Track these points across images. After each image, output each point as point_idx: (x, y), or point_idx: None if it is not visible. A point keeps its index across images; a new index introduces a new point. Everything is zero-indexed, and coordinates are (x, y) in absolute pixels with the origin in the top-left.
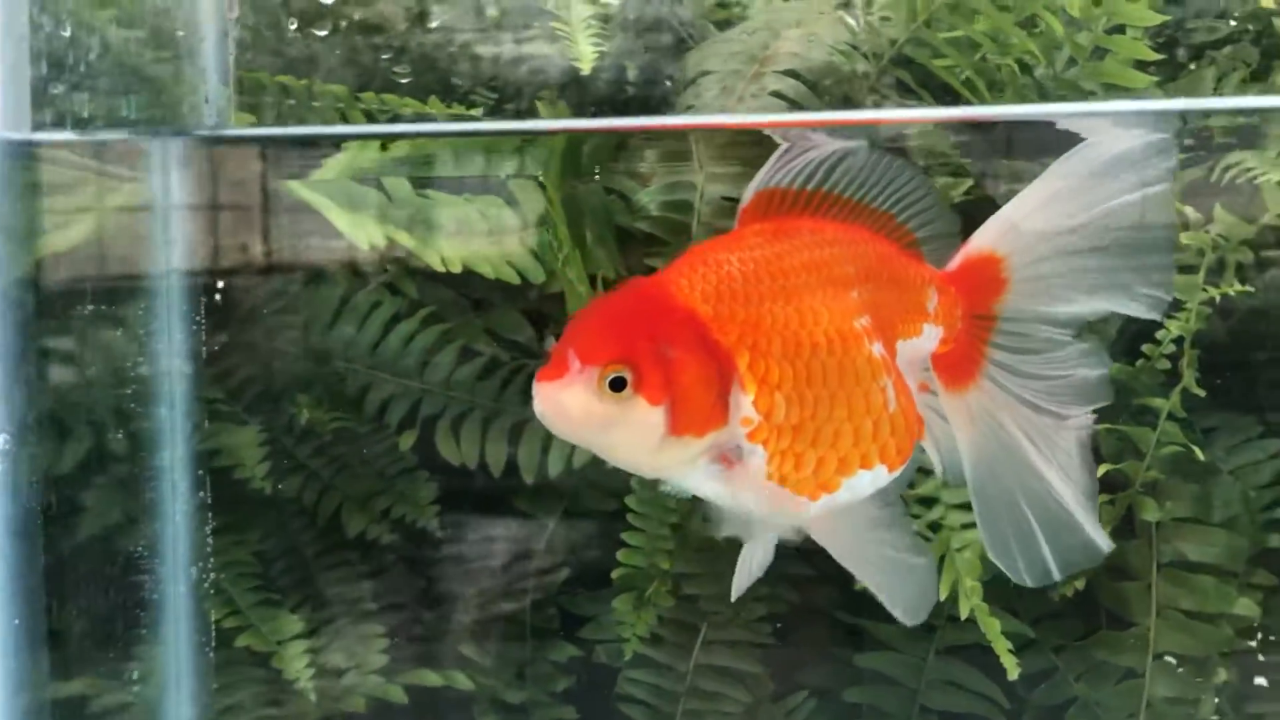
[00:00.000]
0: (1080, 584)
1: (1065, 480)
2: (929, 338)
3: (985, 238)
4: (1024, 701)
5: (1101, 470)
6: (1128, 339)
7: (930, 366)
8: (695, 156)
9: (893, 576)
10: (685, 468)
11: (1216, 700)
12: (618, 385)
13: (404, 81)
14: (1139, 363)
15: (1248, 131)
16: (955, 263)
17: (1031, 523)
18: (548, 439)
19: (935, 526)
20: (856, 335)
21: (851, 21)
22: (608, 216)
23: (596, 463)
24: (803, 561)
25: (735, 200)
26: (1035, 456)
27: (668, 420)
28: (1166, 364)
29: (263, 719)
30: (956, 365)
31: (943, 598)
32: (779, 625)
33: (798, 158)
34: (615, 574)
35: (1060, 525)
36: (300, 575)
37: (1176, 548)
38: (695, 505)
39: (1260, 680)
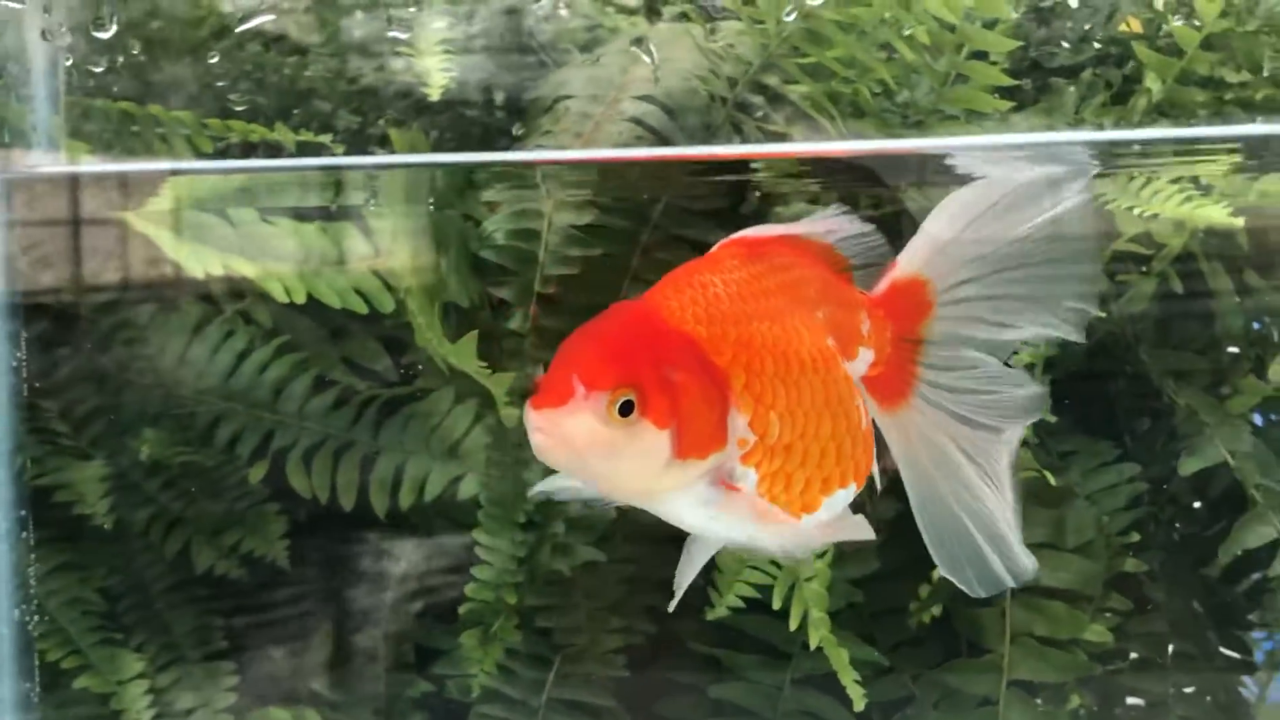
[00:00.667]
0: (937, 610)
1: (999, 495)
2: (863, 361)
3: (911, 262)
4: None
5: None
6: None
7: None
8: (542, 185)
9: None
10: (680, 494)
11: None
12: (625, 410)
13: (254, 106)
14: None
15: (1100, 158)
16: (882, 287)
17: (975, 536)
18: (400, 470)
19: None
20: (830, 355)
21: (709, 46)
22: (464, 245)
23: (449, 495)
24: (658, 593)
25: (583, 229)
26: (972, 472)
27: (673, 444)
28: None
29: None
30: (889, 386)
31: (793, 628)
32: (634, 657)
33: None
34: (463, 609)
35: (999, 539)
36: (145, 613)
37: None
38: (542, 539)
39: (1115, 708)
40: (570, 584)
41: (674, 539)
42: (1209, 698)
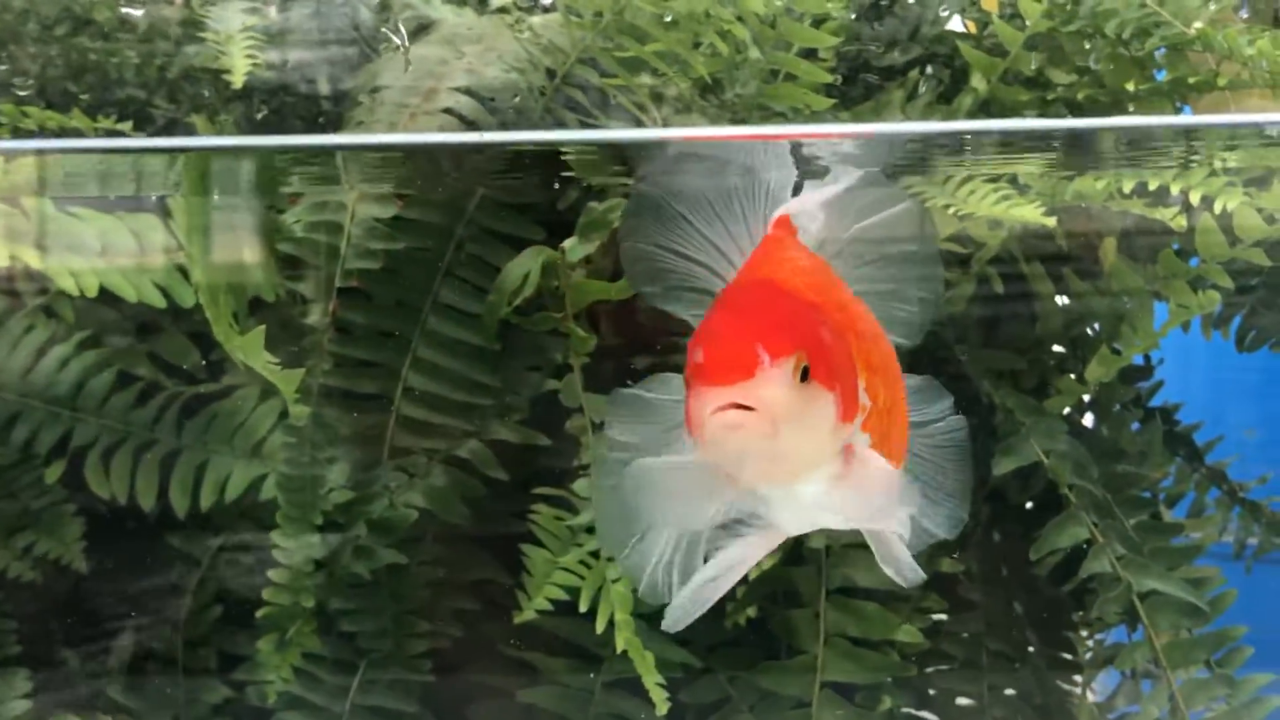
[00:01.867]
0: (753, 612)
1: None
2: None
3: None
4: None
5: None
6: None
7: None
8: (344, 177)
9: None
10: (822, 463)
11: None
12: (804, 375)
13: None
14: None
15: (917, 156)
16: None
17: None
18: (200, 470)
19: (596, 555)
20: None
21: (527, 36)
22: (269, 237)
23: (249, 496)
24: (466, 596)
25: (389, 222)
26: None
27: (837, 406)
28: None
29: None
30: None
31: (599, 630)
32: (441, 662)
33: None
34: (260, 613)
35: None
36: None
37: (845, 574)
38: (343, 542)
39: (925, 711)
40: (375, 588)
41: (482, 541)
42: (1030, 698)
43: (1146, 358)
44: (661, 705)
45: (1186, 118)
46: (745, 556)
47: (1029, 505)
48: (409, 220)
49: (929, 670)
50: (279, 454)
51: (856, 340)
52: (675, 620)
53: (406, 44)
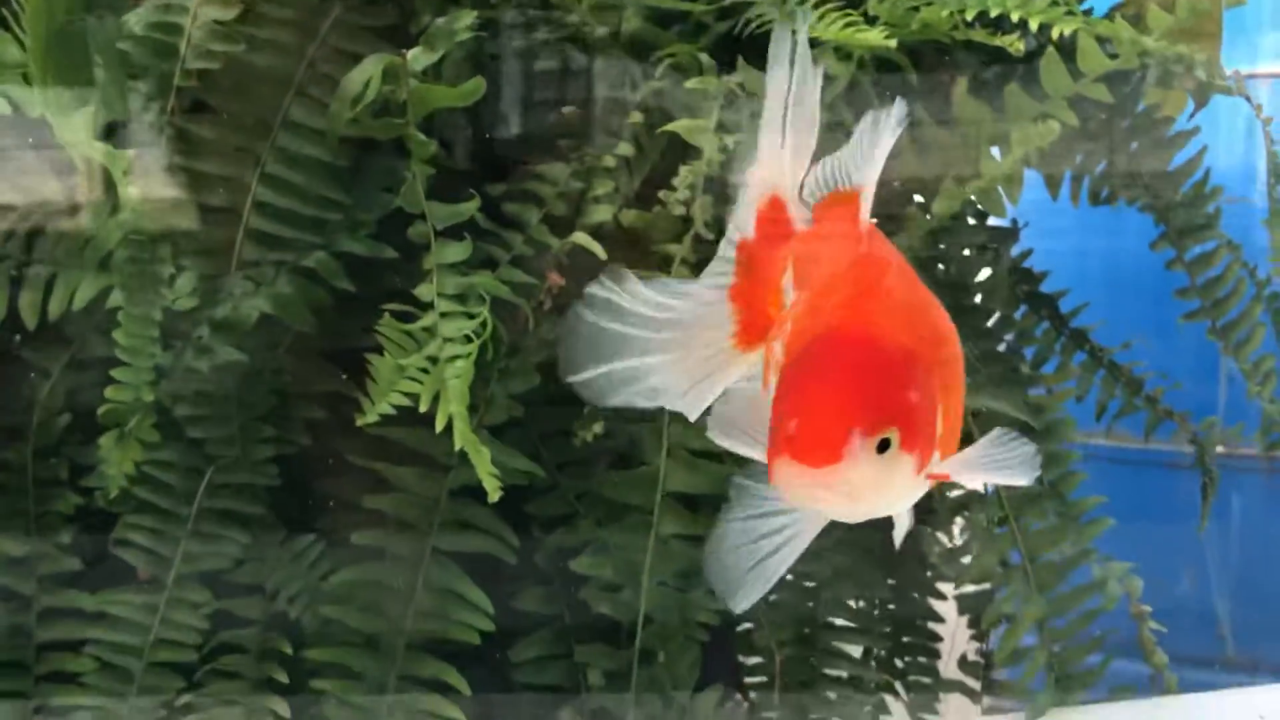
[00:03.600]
0: (599, 428)
1: None
2: None
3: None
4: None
5: None
6: None
7: None
8: None
9: None
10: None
11: None
12: (884, 446)
13: None
14: (655, 209)
15: None
16: None
17: None
18: (50, 281)
19: (434, 360)
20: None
21: None
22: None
23: (97, 306)
24: (314, 405)
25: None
26: None
27: (917, 463)
28: (681, 209)
29: None
30: None
31: (439, 429)
32: (286, 469)
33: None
34: (101, 410)
35: None
36: None
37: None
38: (186, 344)
39: None
40: (224, 396)
41: (330, 355)
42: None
43: (1014, 221)
44: (494, 493)
45: None
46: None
47: None
48: (261, 37)
49: None
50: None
51: (940, 369)
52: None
53: None
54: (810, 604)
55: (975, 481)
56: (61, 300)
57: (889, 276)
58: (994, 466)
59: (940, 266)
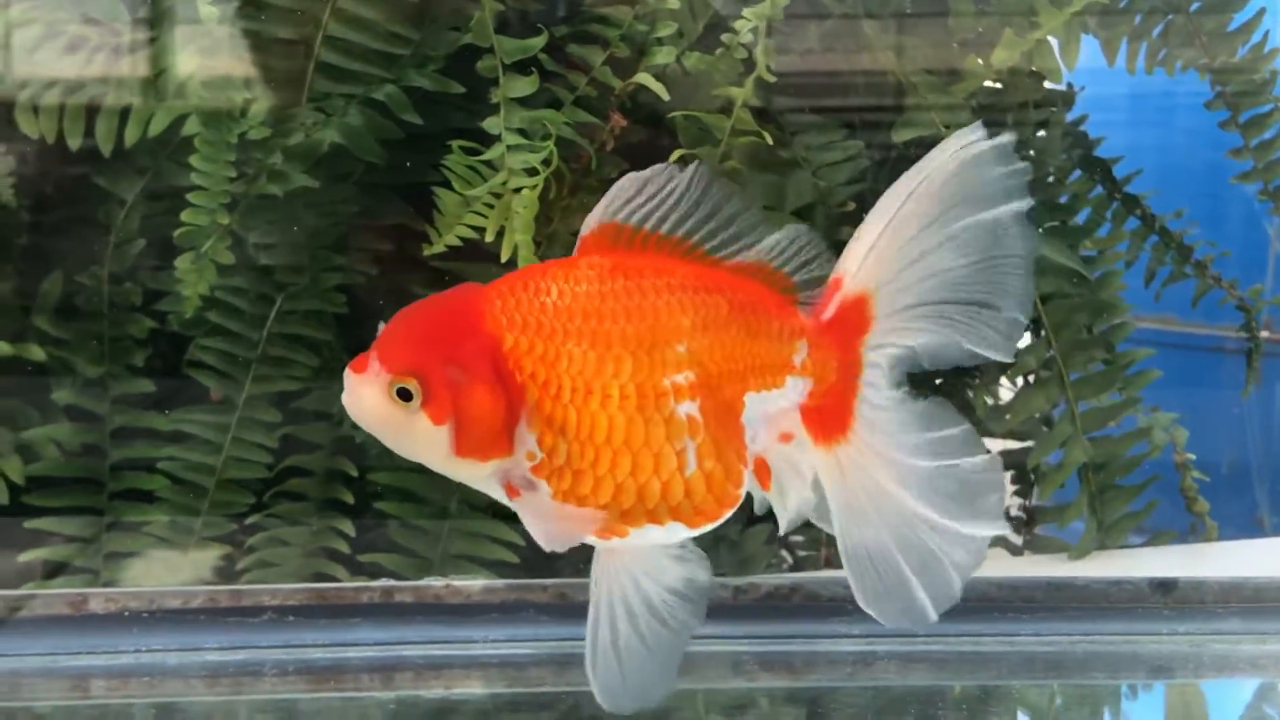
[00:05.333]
0: None
1: (933, 517)
2: (793, 390)
3: (856, 277)
4: None
5: (676, 155)
6: None
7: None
8: None
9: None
10: (479, 483)
11: None
12: (404, 396)
13: None
14: (718, 52)
15: None
16: (830, 310)
17: (904, 568)
18: (126, 109)
19: (499, 193)
20: (661, 393)
21: None
22: None
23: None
24: (383, 238)
25: None
26: (908, 500)
27: (452, 441)
28: (743, 52)
29: None
30: (829, 416)
31: (504, 259)
32: (354, 297)
33: (642, 191)
34: (178, 233)
35: (933, 563)
36: None
37: None
38: (260, 169)
39: None
40: (294, 225)
41: (398, 188)
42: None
43: (1069, 85)
44: None
45: None
46: None
47: None
48: None
49: None
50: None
51: (542, 394)
52: None
53: None
54: None
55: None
56: (137, 129)
57: (569, 281)
58: None
59: (999, 122)
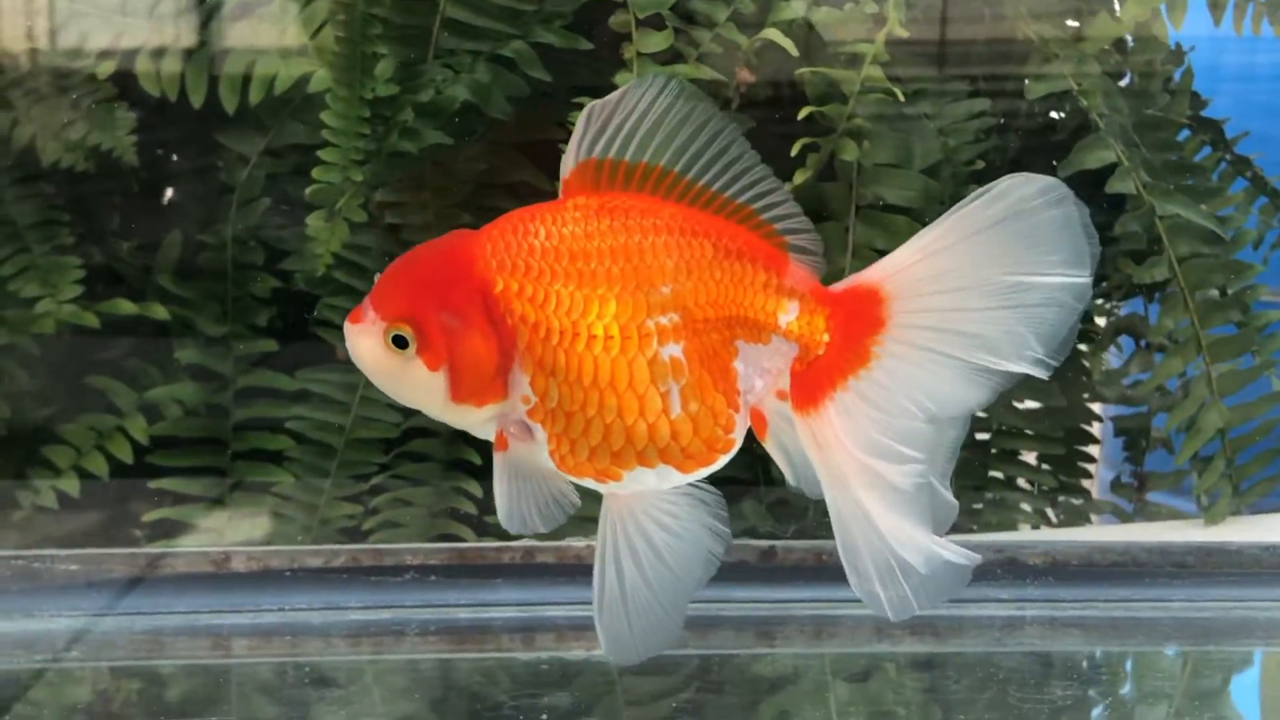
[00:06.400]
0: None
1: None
2: (778, 351)
3: (878, 271)
4: None
5: (805, 112)
6: None
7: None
8: None
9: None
10: (478, 428)
11: None
12: (400, 343)
13: None
14: (846, 7)
15: None
16: (840, 287)
17: (889, 552)
18: (249, 66)
19: None
20: (645, 335)
21: None
22: None
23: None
24: (509, 196)
25: None
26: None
27: (448, 387)
28: (874, 6)
29: None
30: (808, 386)
31: None
32: None
33: (612, 120)
34: (309, 191)
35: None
36: None
37: (875, 191)
38: (391, 126)
39: None
40: (421, 181)
41: (523, 146)
42: None
43: (1179, 45)
44: None
45: None
46: None
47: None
48: None
49: None
50: (327, 50)
51: (532, 336)
52: None
53: None
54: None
55: None
56: (261, 87)
57: (555, 223)
58: None
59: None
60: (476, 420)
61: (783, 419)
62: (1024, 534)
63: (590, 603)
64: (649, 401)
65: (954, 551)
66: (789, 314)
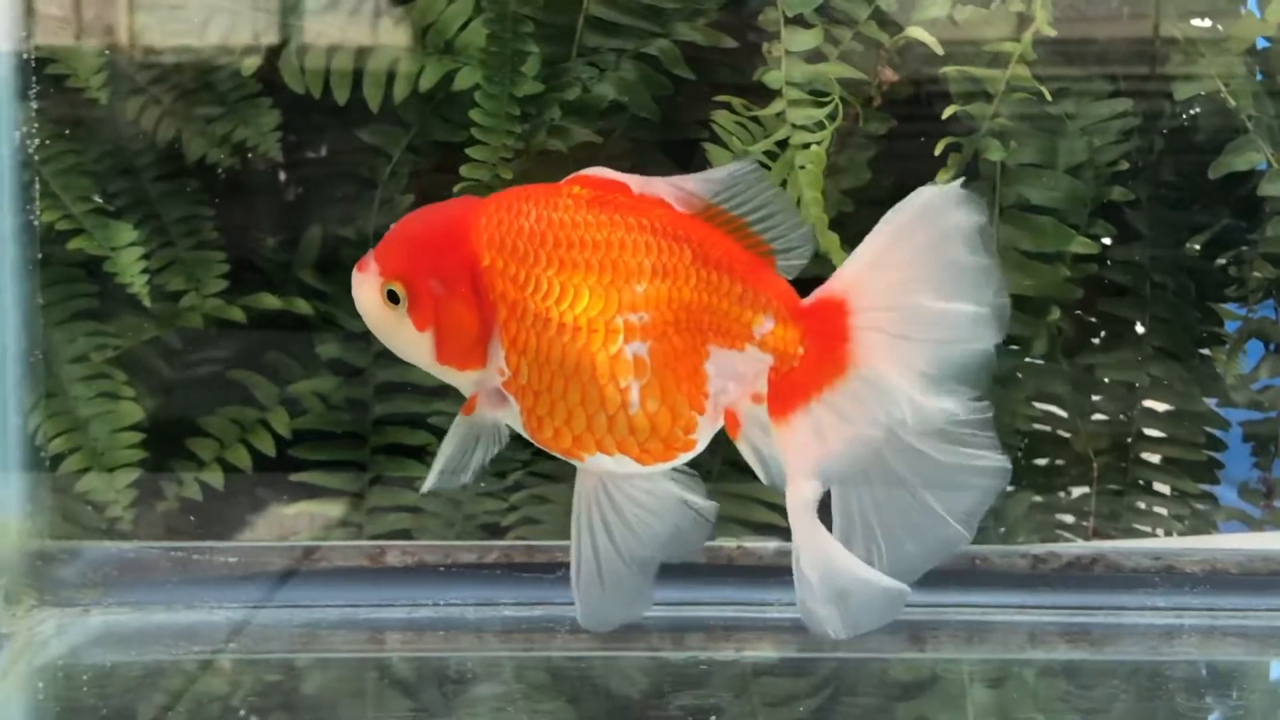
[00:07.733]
0: None
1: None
2: (752, 359)
3: (838, 282)
4: None
5: (949, 110)
6: None
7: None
8: None
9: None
10: (465, 389)
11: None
12: (394, 299)
13: None
14: (992, 5)
15: None
16: (811, 300)
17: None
18: (394, 63)
19: (782, 146)
20: (613, 330)
21: None
22: None
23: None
24: None
25: None
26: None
27: (433, 348)
28: (1021, 6)
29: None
30: (781, 397)
31: None
32: None
33: None
34: (456, 188)
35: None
36: (137, 196)
37: (1019, 191)
38: (538, 125)
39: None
40: (562, 175)
41: (665, 146)
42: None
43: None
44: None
45: None
46: None
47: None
48: None
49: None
50: (474, 48)
51: (509, 314)
52: None
53: None
54: (1124, 416)
55: None
56: (406, 84)
57: (549, 207)
58: None
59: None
60: (461, 382)
61: (753, 422)
62: (1182, 540)
63: (749, 604)
64: (608, 395)
65: (888, 580)
66: (763, 326)
